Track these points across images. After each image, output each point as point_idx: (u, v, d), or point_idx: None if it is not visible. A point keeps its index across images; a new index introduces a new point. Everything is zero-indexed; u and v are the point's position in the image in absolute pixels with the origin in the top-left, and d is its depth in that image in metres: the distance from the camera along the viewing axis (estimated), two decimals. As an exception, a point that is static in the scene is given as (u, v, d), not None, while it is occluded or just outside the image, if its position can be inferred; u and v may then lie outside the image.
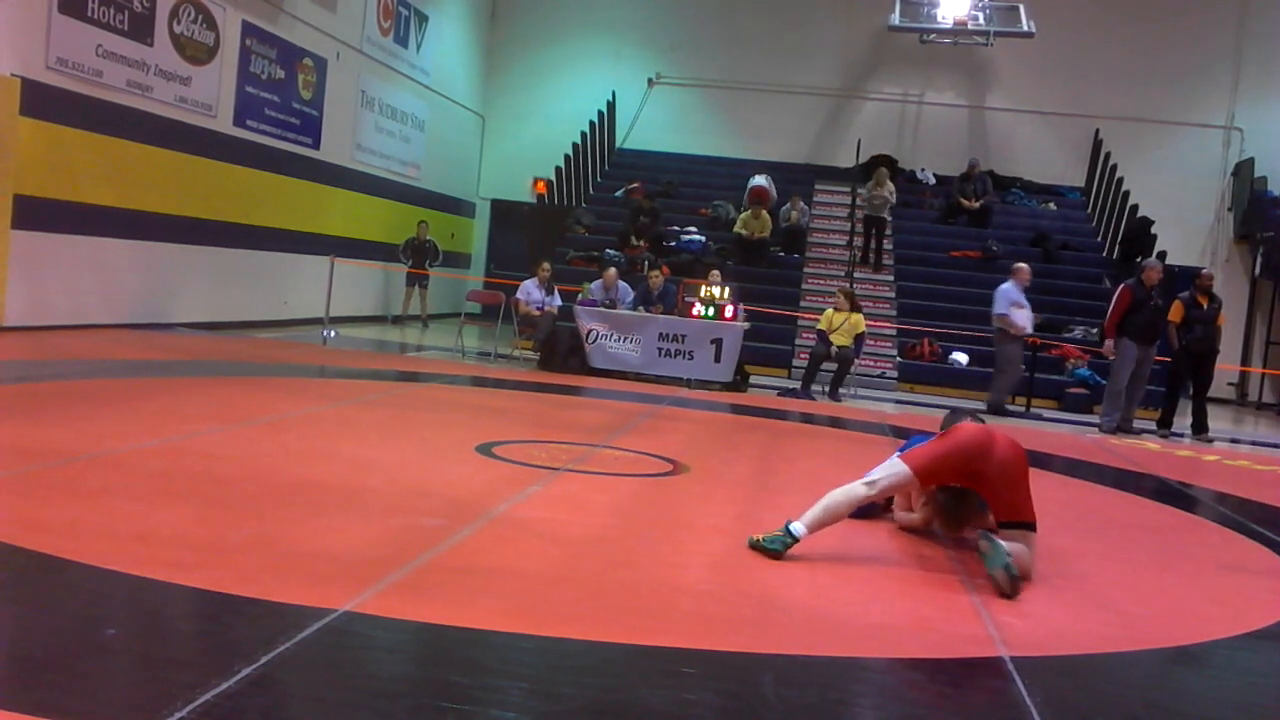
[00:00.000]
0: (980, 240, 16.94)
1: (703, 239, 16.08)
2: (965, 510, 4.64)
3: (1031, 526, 4.41)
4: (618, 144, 20.11)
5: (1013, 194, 18.85)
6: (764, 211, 16.15)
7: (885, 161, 19.10)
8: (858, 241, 16.61)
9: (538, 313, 12.65)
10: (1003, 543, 4.15)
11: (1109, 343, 10.98)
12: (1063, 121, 19.14)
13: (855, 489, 4.50)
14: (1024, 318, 11.93)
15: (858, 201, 17.00)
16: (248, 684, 2.59)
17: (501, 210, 20.97)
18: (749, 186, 17.07)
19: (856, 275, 15.89)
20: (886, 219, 16.47)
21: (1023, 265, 12.40)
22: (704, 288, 12.01)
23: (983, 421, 4.80)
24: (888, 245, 16.70)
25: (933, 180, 19.26)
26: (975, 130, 19.73)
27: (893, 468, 4.55)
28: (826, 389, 12.02)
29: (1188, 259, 16.96)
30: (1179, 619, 4.17)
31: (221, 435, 5.94)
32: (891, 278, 16.10)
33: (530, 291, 12.88)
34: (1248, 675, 3.71)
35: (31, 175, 10.02)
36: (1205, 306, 11.12)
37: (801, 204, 16.76)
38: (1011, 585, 4.04)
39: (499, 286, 14.17)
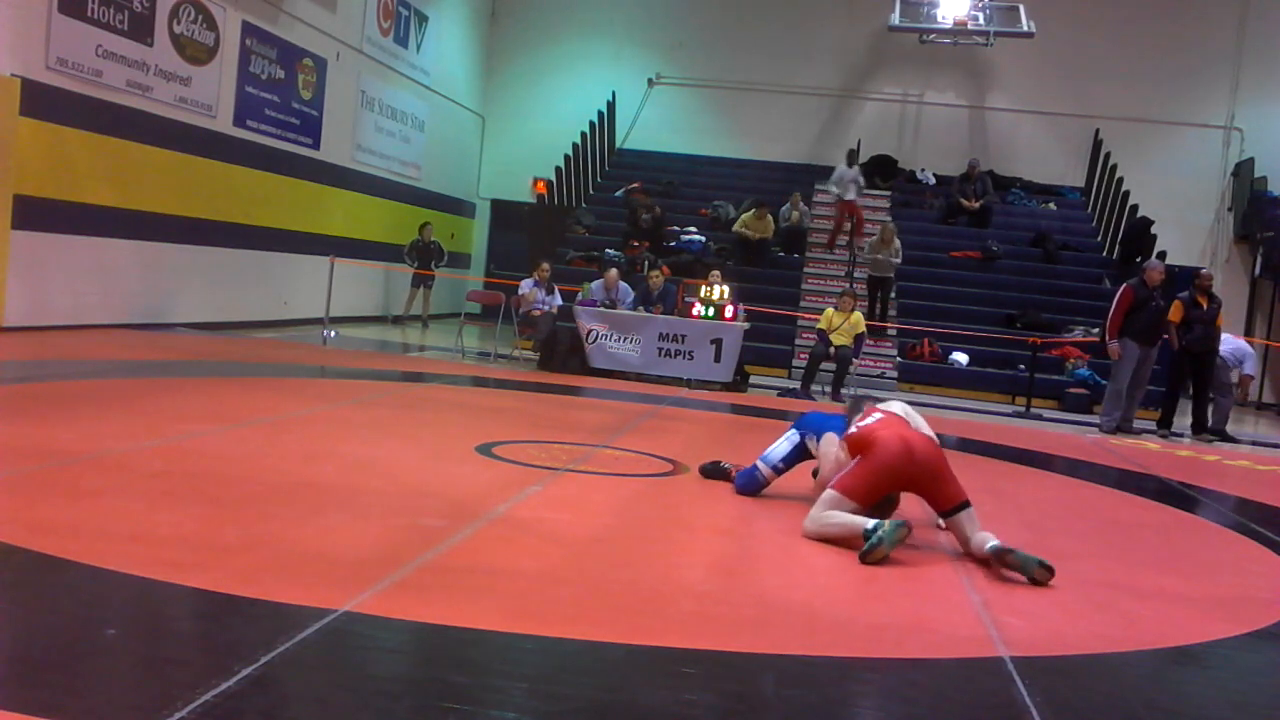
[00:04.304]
0: (980, 240, 16.94)
1: (703, 239, 16.07)
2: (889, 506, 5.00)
3: (967, 504, 4.66)
4: (618, 144, 20.12)
5: (1013, 194, 18.85)
6: (767, 213, 16.12)
7: (886, 163, 19.21)
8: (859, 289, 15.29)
9: (538, 312, 12.64)
10: (1010, 550, 4.40)
11: (1114, 344, 10.88)
12: (1063, 121, 19.14)
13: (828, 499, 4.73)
14: None
15: (859, 258, 16.03)
16: (248, 684, 2.59)
17: (501, 210, 20.97)
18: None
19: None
20: (892, 279, 15.07)
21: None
22: (704, 288, 12.01)
23: (876, 403, 5.16)
24: (892, 294, 15.45)
25: (933, 180, 19.26)
26: (975, 130, 19.73)
27: (829, 495, 4.74)
28: (827, 389, 12.02)
29: (1188, 259, 16.95)
30: (1179, 619, 4.16)
31: (221, 435, 5.94)
32: (894, 331, 15.00)
33: (530, 291, 12.86)
34: (1248, 675, 3.71)
35: (31, 175, 10.02)
36: (1205, 306, 11.11)
37: (802, 204, 16.75)
38: (1049, 573, 4.31)
39: (499, 287, 14.16)
